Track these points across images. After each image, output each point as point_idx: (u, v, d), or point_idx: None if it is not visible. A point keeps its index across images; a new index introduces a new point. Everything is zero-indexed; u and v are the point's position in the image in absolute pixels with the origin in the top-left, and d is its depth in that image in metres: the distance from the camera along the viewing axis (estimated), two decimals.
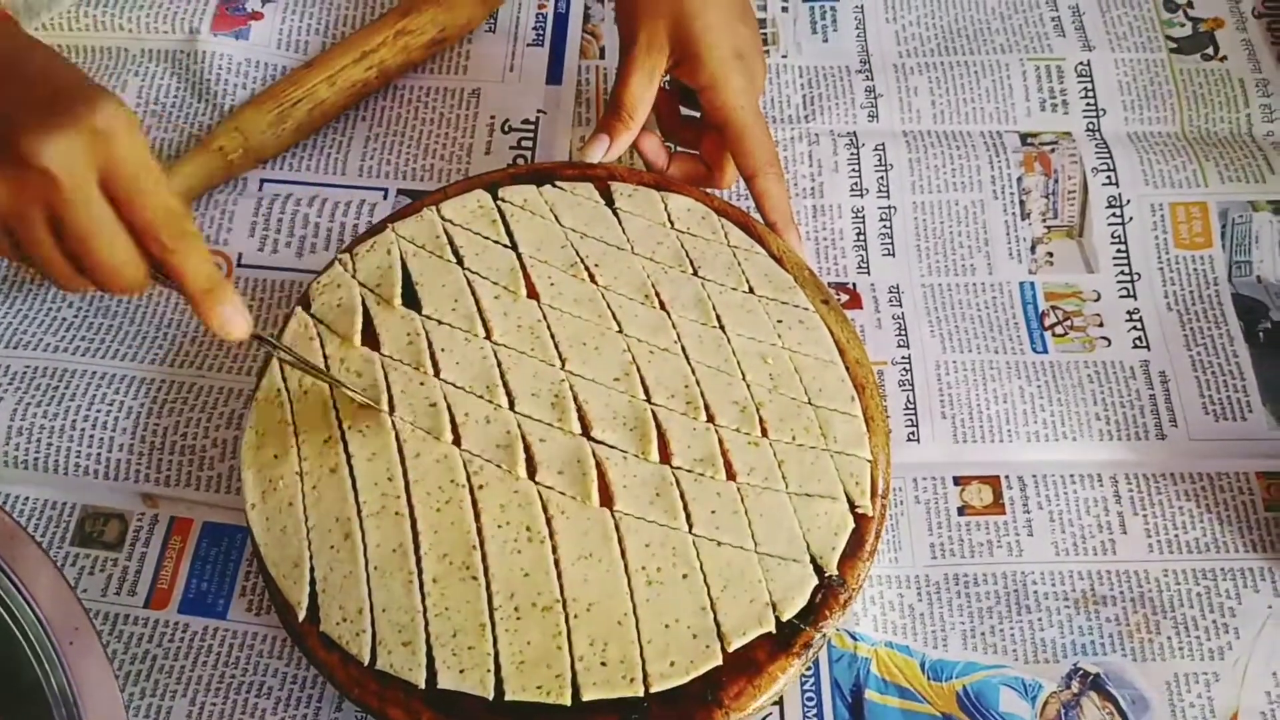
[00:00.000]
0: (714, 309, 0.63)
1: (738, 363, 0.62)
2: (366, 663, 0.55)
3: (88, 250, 0.50)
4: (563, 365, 0.62)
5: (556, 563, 0.57)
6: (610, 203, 0.67)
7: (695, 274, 0.65)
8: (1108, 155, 0.76)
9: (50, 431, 0.68)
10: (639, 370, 0.61)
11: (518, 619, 0.55)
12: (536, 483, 0.58)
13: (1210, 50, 0.81)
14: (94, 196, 0.49)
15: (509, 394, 0.61)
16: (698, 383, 0.61)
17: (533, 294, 0.64)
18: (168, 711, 0.61)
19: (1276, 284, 0.72)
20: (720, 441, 0.59)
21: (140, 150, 0.50)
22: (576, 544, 0.57)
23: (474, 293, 0.64)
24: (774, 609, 0.55)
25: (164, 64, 0.80)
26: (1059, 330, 0.71)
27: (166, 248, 0.51)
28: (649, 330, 0.63)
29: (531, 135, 0.79)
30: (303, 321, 0.64)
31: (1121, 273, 0.73)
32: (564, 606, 0.56)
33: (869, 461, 0.59)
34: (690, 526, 0.57)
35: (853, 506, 0.58)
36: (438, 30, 0.80)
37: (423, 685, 0.54)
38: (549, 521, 0.57)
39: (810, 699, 0.61)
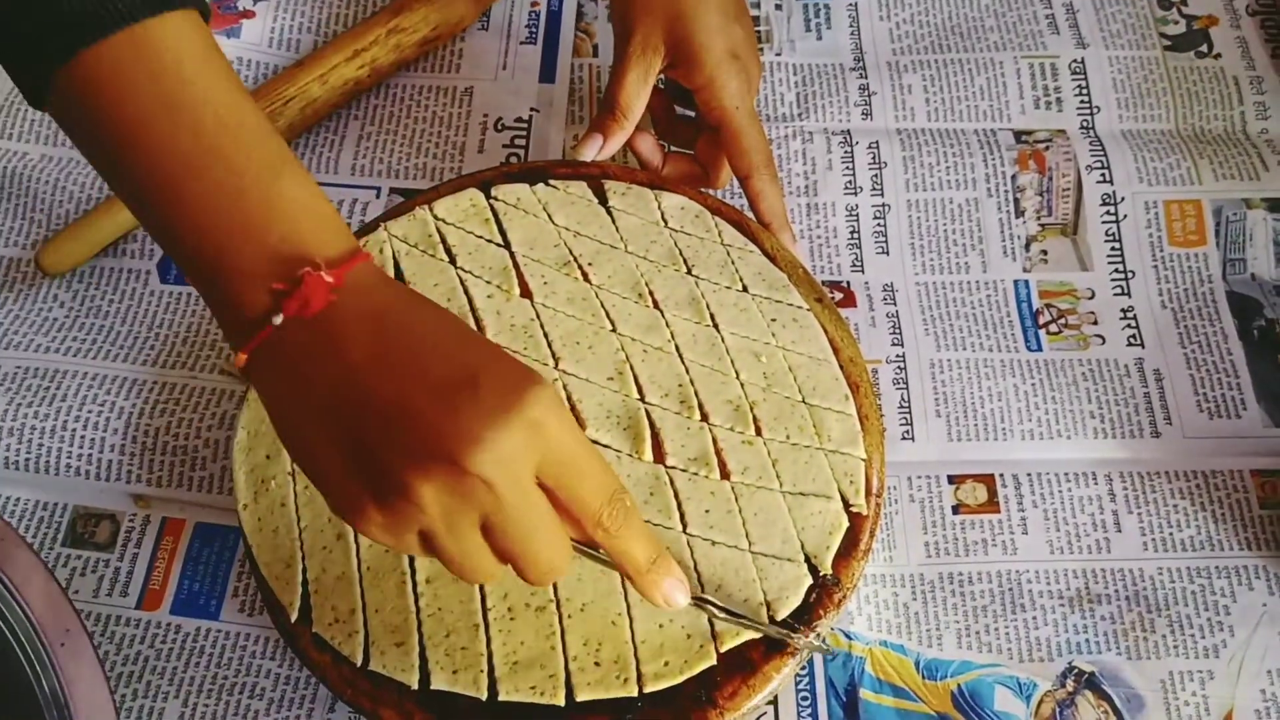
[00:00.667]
0: (707, 307, 0.63)
1: (731, 361, 0.62)
2: (359, 663, 0.55)
3: (522, 552, 0.45)
4: (556, 364, 0.61)
5: None
6: (604, 201, 0.67)
7: (689, 272, 0.65)
8: (1102, 153, 0.76)
9: (42, 432, 0.67)
10: (632, 369, 0.61)
11: (511, 619, 0.55)
12: None
13: (1204, 48, 0.81)
14: (535, 499, 0.44)
15: None
16: (691, 382, 0.61)
17: (526, 293, 0.64)
18: (160, 713, 0.61)
19: (1270, 282, 0.72)
20: (714, 441, 0.59)
21: (574, 434, 0.45)
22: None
23: (467, 291, 0.64)
24: (768, 608, 0.55)
25: None
26: (1053, 328, 0.71)
27: (610, 533, 0.47)
28: (642, 329, 0.63)
29: (524, 133, 0.79)
30: None
31: (1116, 270, 0.73)
32: (557, 606, 0.55)
33: (863, 460, 0.59)
34: (684, 526, 0.57)
35: (847, 505, 0.58)
36: (430, 28, 0.79)
37: (416, 686, 0.54)
38: None
39: (805, 698, 0.60)
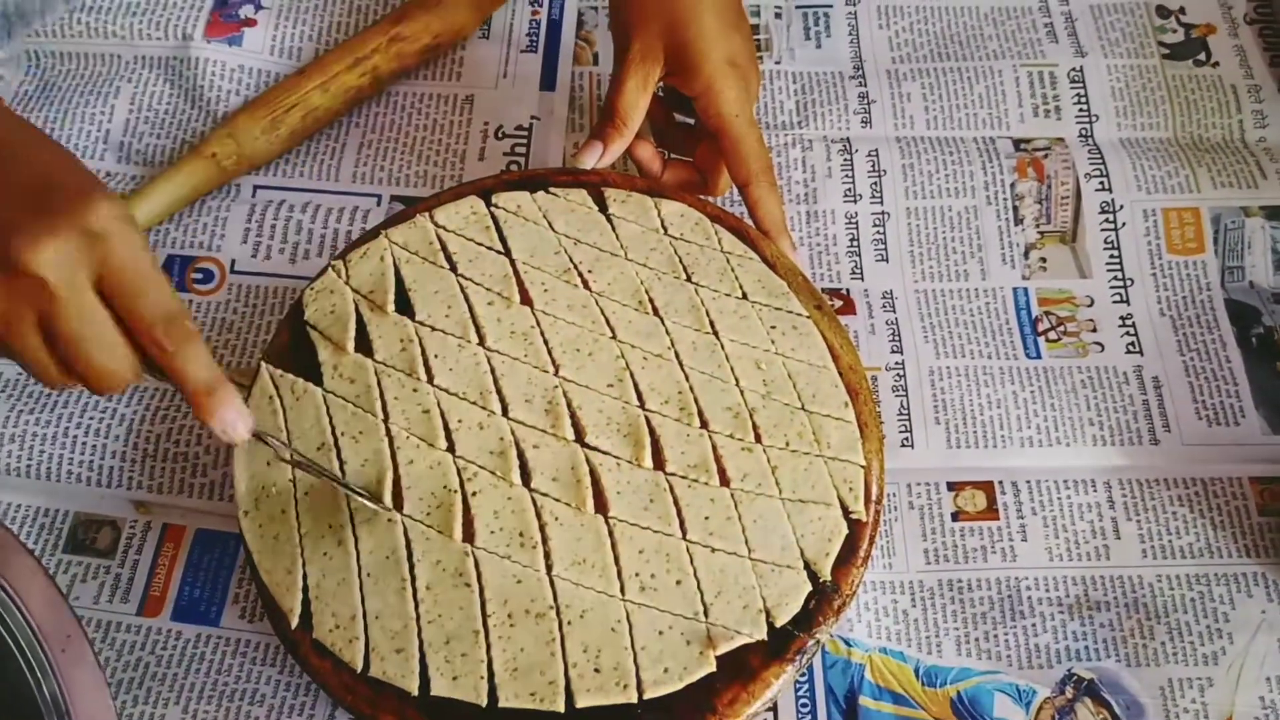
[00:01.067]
0: (707, 315, 0.63)
1: (731, 369, 0.62)
2: (359, 670, 0.55)
3: (79, 355, 0.48)
4: (556, 371, 0.62)
5: (550, 569, 0.56)
6: (604, 209, 0.67)
7: (689, 280, 0.65)
8: (1100, 161, 0.76)
9: (43, 439, 0.67)
10: (632, 376, 0.61)
11: (511, 626, 0.55)
12: (530, 489, 0.58)
13: (1202, 56, 0.82)
14: (88, 302, 0.47)
15: (502, 400, 0.61)
16: (691, 389, 0.61)
17: (526, 300, 0.64)
18: (160, 719, 0.61)
19: (1269, 289, 0.72)
20: (714, 448, 0.59)
21: (136, 249, 0.48)
22: (570, 550, 0.57)
23: (467, 299, 0.64)
24: (768, 615, 0.55)
25: (157, 70, 0.80)
26: (1052, 335, 0.71)
27: (165, 350, 0.49)
28: (642, 336, 0.63)
29: (525, 141, 0.79)
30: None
31: (1115, 278, 0.73)
32: (557, 613, 0.55)
33: (863, 467, 0.59)
34: (684, 533, 0.57)
35: (846, 512, 0.58)
36: (431, 36, 0.80)
37: (416, 692, 0.54)
38: (542, 528, 0.57)
39: (804, 705, 0.60)
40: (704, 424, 0.60)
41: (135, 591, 0.64)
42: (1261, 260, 0.73)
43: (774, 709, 0.60)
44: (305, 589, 0.57)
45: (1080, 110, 0.79)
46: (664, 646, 0.55)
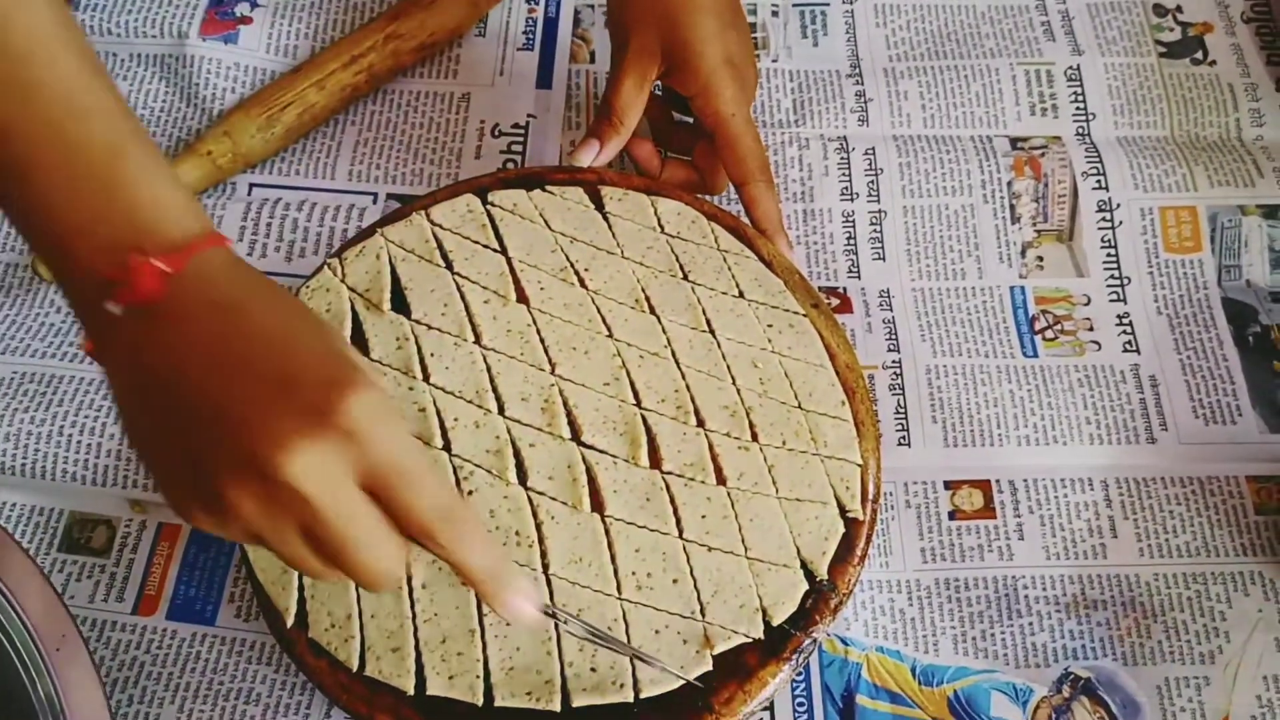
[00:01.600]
0: (704, 313, 0.63)
1: (728, 367, 0.62)
2: (355, 669, 0.55)
3: (346, 559, 0.43)
4: (552, 370, 0.61)
5: (546, 568, 0.56)
6: (600, 207, 0.67)
7: (685, 278, 0.65)
8: (1097, 159, 0.76)
9: (38, 437, 0.67)
10: (629, 375, 0.61)
11: (507, 625, 0.55)
12: (527, 488, 0.58)
13: (1199, 55, 0.82)
14: (354, 507, 0.42)
15: (499, 399, 0.61)
16: (688, 387, 0.61)
17: (522, 298, 0.64)
18: (155, 718, 0.61)
19: (1265, 288, 0.72)
20: (710, 446, 0.59)
21: (399, 443, 0.43)
22: (566, 549, 0.57)
23: (463, 297, 0.64)
24: (764, 614, 0.55)
25: (152, 68, 0.80)
26: (1049, 334, 0.71)
27: (443, 546, 0.44)
28: (639, 335, 0.63)
29: (521, 139, 0.79)
30: None
31: (1111, 277, 0.73)
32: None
33: (859, 466, 0.59)
34: (680, 532, 0.57)
35: (843, 511, 0.58)
36: (427, 34, 0.79)
37: (411, 691, 0.54)
38: (539, 527, 0.57)
39: (801, 704, 0.60)
40: (700, 423, 0.60)
41: (130, 590, 0.64)
42: (1258, 259, 0.73)
43: (771, 708, 0.60)
44: (301, 588, 0.57)
45: (1077, 109, 0.79)
46: (660, 645, 0.55)
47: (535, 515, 0.58)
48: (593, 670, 0.54)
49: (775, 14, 0.85)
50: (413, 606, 0.56)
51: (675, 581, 0.56)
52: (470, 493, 0.58)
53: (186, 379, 0.42)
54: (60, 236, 0.44)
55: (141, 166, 0.45)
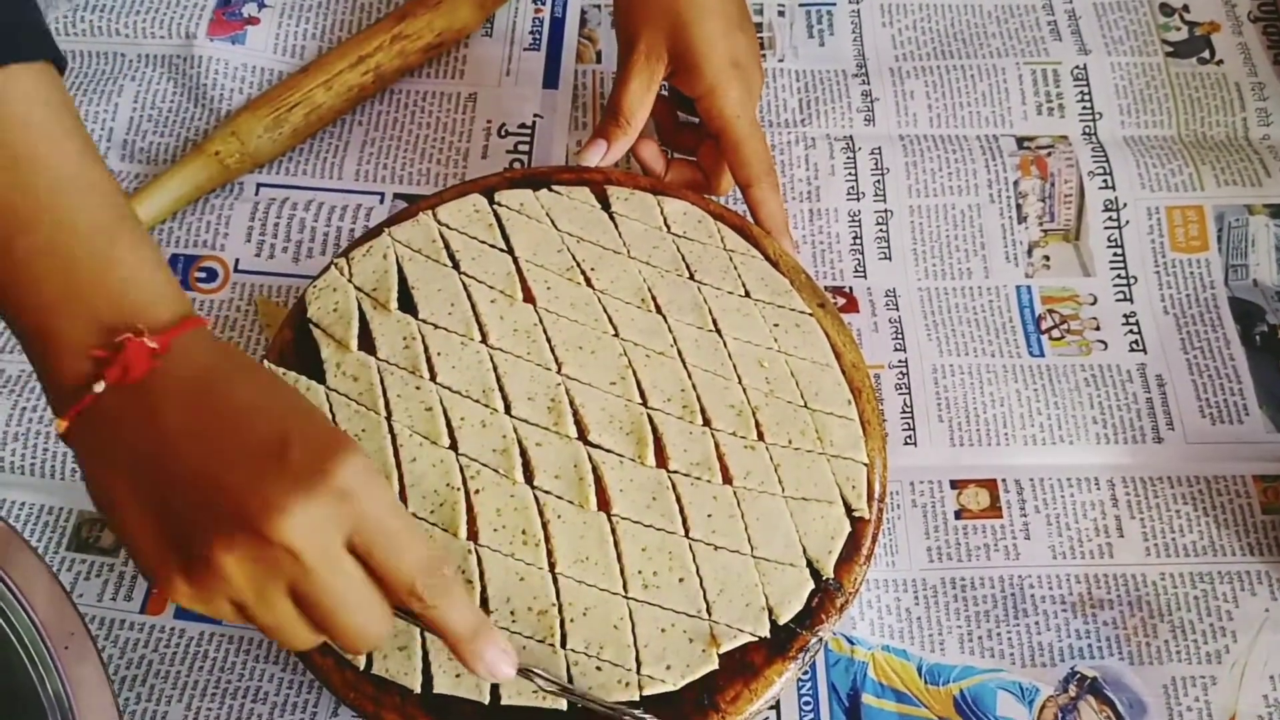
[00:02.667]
0: (710, 313, 0.63)
1: (734, 367, 0.62)
2: (362, 667, 0.55)
3: (333, 620, 0.44)
4: (559, 369, 0.62)
5: (552, 567, 0.56)
6: (606, 207, 0.67)
7: (691, 278, 0.65)
8: (1104, 159, 0.76)
9: (47, 437, 0.67)
10: (635, 374, 0.61)
11: (513, 623, 0.55)
12: (533, 487, 0.58)
13: (1206, 54, 0.81)
14: (343, 567, 0.43)
15: (505, 398, 0.61)
16: (694, 387, 0.61)
17: (529, 298, 0.64)
18: (163, 717, 0.61)
19: (1272, 287, 0.72)
20: (716, 445, 0.59)
21: (386, 504, 0.44)
22: (573, 548, 0.57)
23: (470, 297, 0.64)
24: (770, 613, 0.55)
25: (160, 69, 0.80)
26: (1055, 334, 0.71)
27: (426, 604, 0.45)
28: (645, 334, 0.63)
29: (528, 139, 0.79)
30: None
31: (1118, 276, 0.73)
32: (560, 610, 0.55)
33: (865, 465, 0.59)
34: (687, 531, 0.57)
35: (849, 510, 0.58)
36: (434, 35, 0.80)
37: (418, 690, 0.54)
38: (545, 526, 0.57)
39: (807, 703, 0.60)
40: (707, 422, 0.60)
41: (139, 589, 0.65)
42: (1265, 258, 0.73)
43: (777, 707, 0.60)
44: None
45: (1084, 108, 0.79)
46: (666, 644, 0.55)
47: (542, 514, 0.58)
48: (599, 669, 0.54)
49: (781, 14, 0.85)
50: None
51: (681, 580, 0.56)
52: (477, 491, 0.58)
53: (173, 450, 0.43)
54: (44, 311, 0.45)
55: (133, 248, 0.46)
